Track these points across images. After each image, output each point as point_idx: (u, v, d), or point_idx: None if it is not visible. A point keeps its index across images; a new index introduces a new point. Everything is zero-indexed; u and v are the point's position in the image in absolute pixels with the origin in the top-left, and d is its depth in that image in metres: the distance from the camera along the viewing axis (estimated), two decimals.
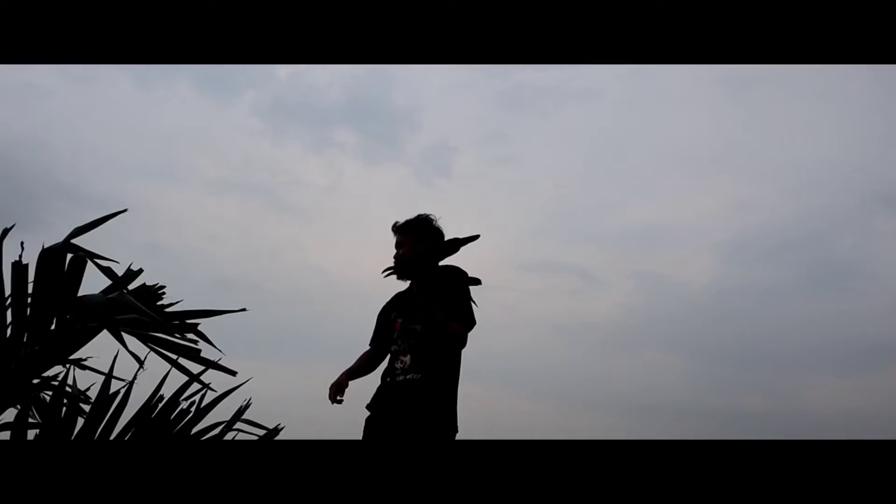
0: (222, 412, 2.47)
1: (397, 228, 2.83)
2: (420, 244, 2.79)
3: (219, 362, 2.28)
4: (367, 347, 2.93)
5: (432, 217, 2.84)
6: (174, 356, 2.13)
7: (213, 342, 2.27)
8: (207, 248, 10.94)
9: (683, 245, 11.30)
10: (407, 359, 2.70)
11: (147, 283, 2.19)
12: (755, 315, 10.31)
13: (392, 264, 2.76)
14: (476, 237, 2.67)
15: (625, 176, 11.63)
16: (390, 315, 2.85)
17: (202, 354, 2.25)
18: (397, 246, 2.83)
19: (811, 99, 9.81)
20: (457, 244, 2.68)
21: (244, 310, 2.25)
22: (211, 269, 10.60)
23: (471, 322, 2.72)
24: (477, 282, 2.76)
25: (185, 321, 2.11)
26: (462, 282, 2.76)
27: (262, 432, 2.43)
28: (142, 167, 11.02)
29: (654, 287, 11.19)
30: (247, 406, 2.30)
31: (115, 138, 10.52)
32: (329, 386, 2.72)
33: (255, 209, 11.27)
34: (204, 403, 2.37)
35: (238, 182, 11.46)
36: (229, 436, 2.39)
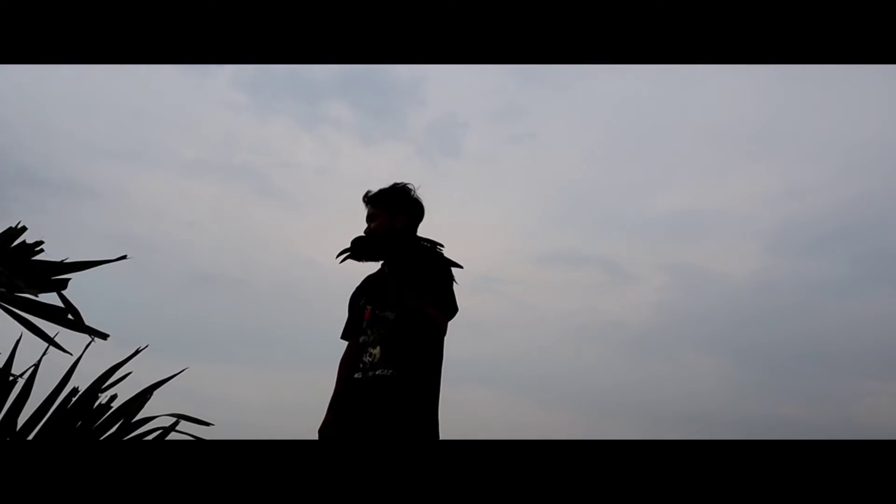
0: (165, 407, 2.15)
1: (369, 199, 2.47)
2: (395, 217, 2.43)
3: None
4: (345, 345, 2.55)
5: (410, 186, 2.49)
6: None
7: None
8: (185, 238, 9.70)
9: (722, 234, 10.07)
10: (376, 351, 2.34)
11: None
12: (803, 312, 9.29)
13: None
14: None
15: (656, 155, 10.23)
16: (360, 301, 2.48)
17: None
18: (369, 219, 2.47)
19: (866, 69, 8.78)
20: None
21: (124, 257, 1.96)
22: (189, 263, 9.54)
23: (452, 308, 2.36)
24: (456, 266, 2.40)
25: (52, 277, 1.80)
26: (442, 261, 2.39)
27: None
28: (110, 148, 9.61)
29: (689, 281, 10.07)
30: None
31: (80, 115, 9.20)
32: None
33: (238, 194, 10.04)
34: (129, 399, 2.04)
35: (219, 164, 10.04)
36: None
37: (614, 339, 9.61)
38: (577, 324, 9.60)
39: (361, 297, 2.48)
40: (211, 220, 9.80)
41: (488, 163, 10.22)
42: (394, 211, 2.44)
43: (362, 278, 2.56)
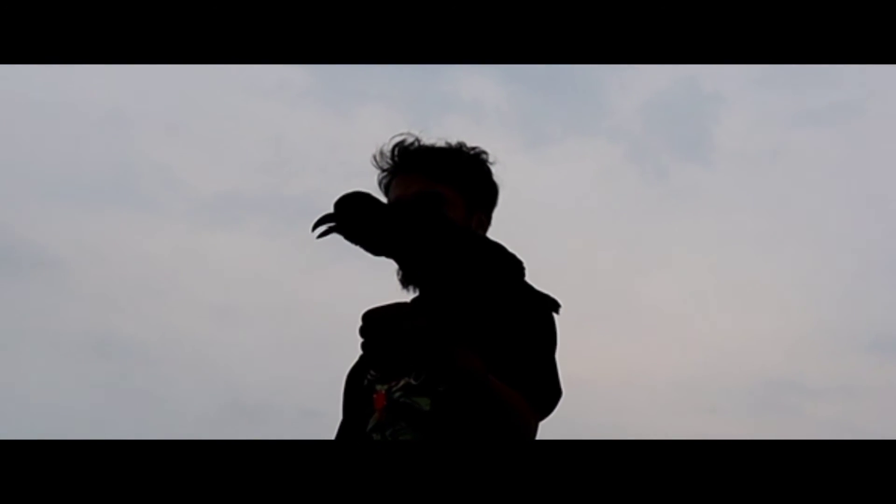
0: None
1: (399, 154, 1.28)
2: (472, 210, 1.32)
3: None
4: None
5: (484, 156, 1.35)
6: None
7: None
8: (207, 337, 5.26)
9: None
10: None
11: None
12: None
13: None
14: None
15: None
16: (364, 378, 1.26)
17: None
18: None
19: None
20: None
21: None
22: (218, 386, 5.08)
23: (555, 393, 1.16)
24: (554, 305, 1.23)
25: None
26: (539, 298, 1.17)
27: None
28: (75, 188, 5.36)
29: None
30: None
31: (23, 139, 5.17)
32: None
33: (296, 251, 5.32)
34: None
35: (262, 199, 5.46)
36: None
37: None
38: None
39: (368, 369, 1.24)
40: (250, 302, 5.20)
41: (765, 169, 5.41)
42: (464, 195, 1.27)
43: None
